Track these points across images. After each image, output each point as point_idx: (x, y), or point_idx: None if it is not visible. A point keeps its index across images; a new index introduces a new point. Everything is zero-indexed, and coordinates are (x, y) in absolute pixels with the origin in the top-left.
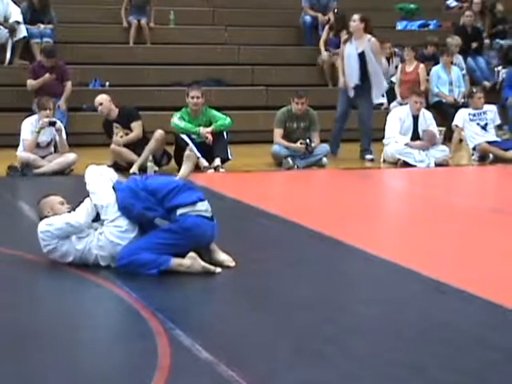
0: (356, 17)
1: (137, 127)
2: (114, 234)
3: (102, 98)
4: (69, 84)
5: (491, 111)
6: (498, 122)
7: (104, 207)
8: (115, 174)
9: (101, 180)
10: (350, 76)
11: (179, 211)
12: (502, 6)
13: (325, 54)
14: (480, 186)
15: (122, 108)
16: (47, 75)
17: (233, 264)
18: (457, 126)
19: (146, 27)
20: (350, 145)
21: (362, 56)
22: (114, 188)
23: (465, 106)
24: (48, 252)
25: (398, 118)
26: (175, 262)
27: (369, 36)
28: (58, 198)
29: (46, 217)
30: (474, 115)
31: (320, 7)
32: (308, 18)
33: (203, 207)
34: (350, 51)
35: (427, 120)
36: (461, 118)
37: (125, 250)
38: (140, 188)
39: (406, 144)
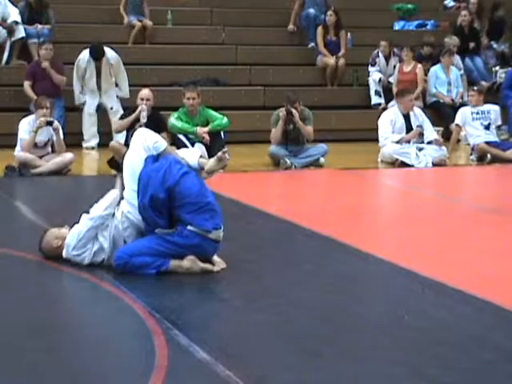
0: None
1: (166, 139)
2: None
3: (150, 95)
4: (64, 78)
5: (495, 111)
6: (499, 122)
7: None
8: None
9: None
10: None
11: (191, 227)
12: (503, 10)
13: (328, 59)
14: (478, 186)
15: (153, 111)
16: (46, 63)
17: (224, 266)
18: (457, 125)
19: (148, 28)
20: (352, 145)
21: None
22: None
23: (462, 106)
24: (88, 260)
25: (389, 120)
26: (174, 263)
27: None
28: (53, 229)
29: (58, 247)
30: (477, 113)
31: (319, 5)
32: (311, 12)
33: (214, 236)
34: None
35: (419, 116)
36: (462, 117)
37: (123, 250)
38: (171, 182)
39: (398, 141)
